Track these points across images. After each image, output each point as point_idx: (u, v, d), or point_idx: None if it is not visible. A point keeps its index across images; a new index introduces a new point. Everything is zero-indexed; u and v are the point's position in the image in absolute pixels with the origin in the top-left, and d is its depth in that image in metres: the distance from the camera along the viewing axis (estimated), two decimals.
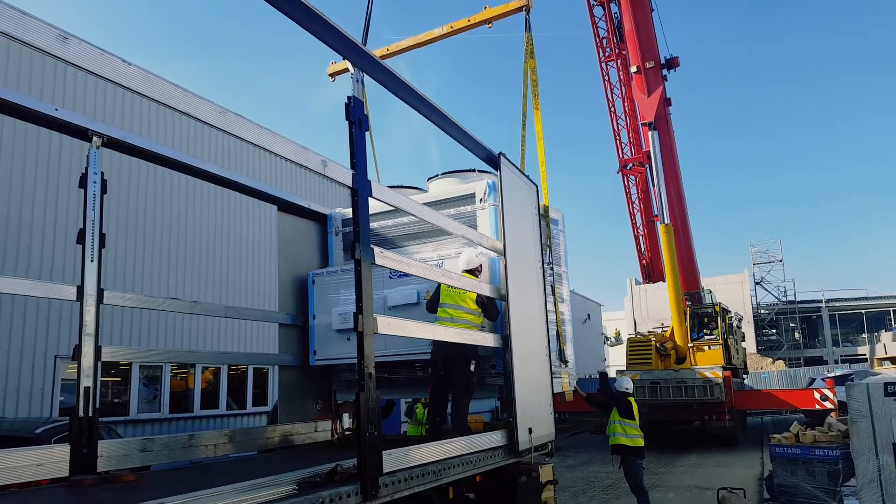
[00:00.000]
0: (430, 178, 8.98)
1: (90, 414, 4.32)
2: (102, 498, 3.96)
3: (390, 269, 6.93)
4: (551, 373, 6.84)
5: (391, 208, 7.47)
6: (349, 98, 4.26)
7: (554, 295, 7.89)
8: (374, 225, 7.46)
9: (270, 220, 14.34)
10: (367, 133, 4.47)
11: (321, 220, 7.95)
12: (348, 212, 7.59)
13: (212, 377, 14.99)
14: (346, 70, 10.40)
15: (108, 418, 11.89)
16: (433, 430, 6.41)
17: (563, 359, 7.91)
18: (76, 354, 4.45)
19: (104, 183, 4.89)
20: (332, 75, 11.96)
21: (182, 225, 14.35)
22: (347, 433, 7.01)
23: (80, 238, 4.61)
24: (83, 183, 4.73)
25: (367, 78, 4.70)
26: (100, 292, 4.66)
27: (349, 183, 4.16)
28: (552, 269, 7.91)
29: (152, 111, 13.69)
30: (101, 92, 12.74)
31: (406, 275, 6.80)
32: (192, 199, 14.61)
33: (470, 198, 7.09)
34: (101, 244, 4.73)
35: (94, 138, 4.79)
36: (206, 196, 14.91)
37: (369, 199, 4.33)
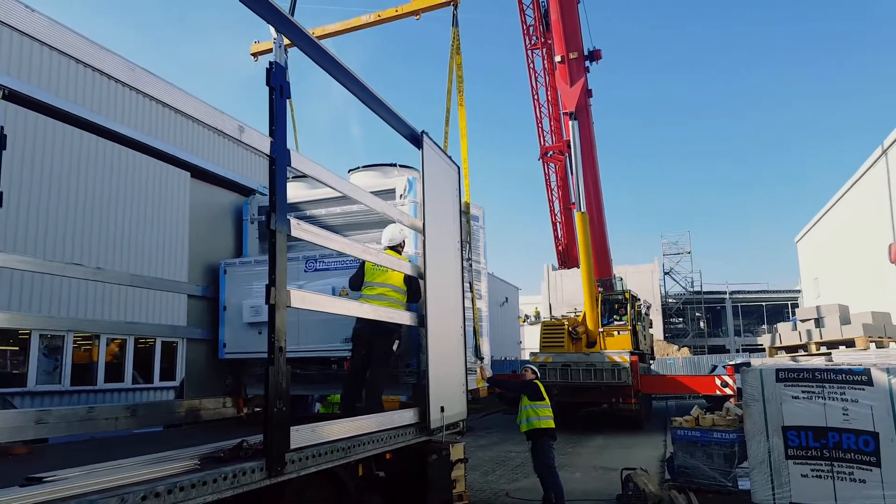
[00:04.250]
0: (350, 171, 8.65)
1: None
2: None
3: (305, 262, 6.81)
4: (465, 351, 6.88)
5: (309, 199, 7.38)
6: (271, 63, 4.13)
7: (472, 291, 7.89)
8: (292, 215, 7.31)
9: (184, 187, 13.76)
10: (287, 102, 4.34)
11: (242, 191, 7.68)
12: (265, 199, 7.39)
13: (117, 349, 14.34)
14: (270, 50, 10.03)
15: (4, 389, 11.26)
16: (346, 409, 6.35)
17: (478, 355, 7.92)
18: None
19: (3, 138, 4.60)
20: (255, 55, 11.50)
21: (89, 187, 13.48)
22: (257, 409, 6.90)
23: None
24: None
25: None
26: None
27: (267, 151, 4.03)
28: (471, 265, 7.89)
29: (58, 66, 12.83)
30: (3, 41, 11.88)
31: (322, 269, 6.70)
32: (100, 160, 13.74)
33: (390, 193, 6.99)
34: None
35: None
36: (116, 158, 14.07)
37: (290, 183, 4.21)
